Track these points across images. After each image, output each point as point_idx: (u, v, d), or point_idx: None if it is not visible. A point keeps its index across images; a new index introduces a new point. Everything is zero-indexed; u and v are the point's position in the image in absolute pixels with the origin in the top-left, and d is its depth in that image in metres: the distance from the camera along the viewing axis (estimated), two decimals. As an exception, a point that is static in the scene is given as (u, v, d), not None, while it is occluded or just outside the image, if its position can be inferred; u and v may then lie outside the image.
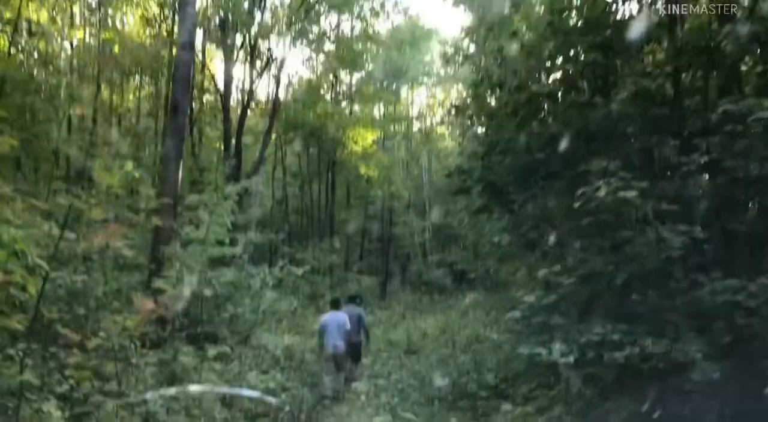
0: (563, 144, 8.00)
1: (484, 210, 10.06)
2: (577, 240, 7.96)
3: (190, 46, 12.61)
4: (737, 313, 6.52)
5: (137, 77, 25.01)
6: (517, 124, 9.07)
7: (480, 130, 9.96)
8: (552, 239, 8.60)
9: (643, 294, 6.83)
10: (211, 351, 8.19)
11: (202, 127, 25.15)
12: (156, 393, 5.58)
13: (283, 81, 26.64)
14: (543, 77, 9.22)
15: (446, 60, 25.39)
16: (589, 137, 8.33)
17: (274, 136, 24.91)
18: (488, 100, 9.92)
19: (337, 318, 10.71)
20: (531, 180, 8.83)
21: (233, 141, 21.98)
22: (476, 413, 9.04)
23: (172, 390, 5.74)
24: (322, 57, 26.87)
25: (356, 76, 31.43)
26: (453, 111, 12.35)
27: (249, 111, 23.99)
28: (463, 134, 11.57)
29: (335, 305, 11.34)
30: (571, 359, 6.28)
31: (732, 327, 6.56)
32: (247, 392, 6.20)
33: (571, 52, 8.27)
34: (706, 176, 7.65)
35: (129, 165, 7.24)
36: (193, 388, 5.97)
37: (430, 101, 40.36)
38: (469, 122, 10.96)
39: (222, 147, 22.71)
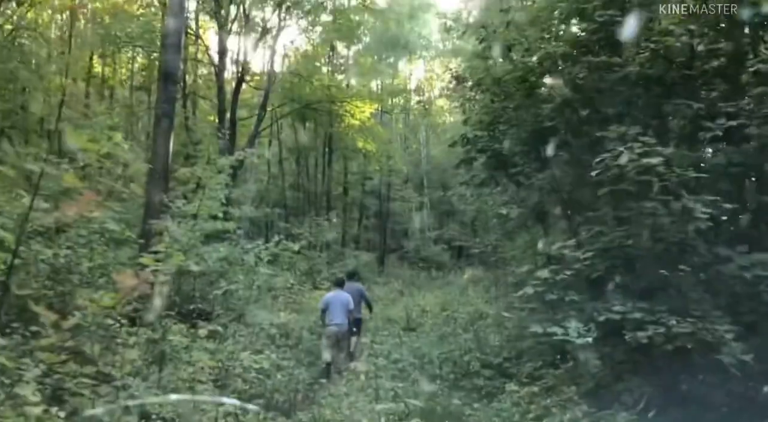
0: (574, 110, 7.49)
1: (489, 182, 9.51)
2: (590, 212, 7.46)
3: (180, 10, 11.99)
4: (766, 289, 6.07)
5: (130, 49, 24.31)
6: (526, 89, 8.50)
7: (484, 98, 9.31)
8: (560, 211, 8.13)
9: (665, 270, 6.35)
10: (203, 330, 7.73)
11: (196, 100, 24.54)
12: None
13: (279, 53, 26.12)
14: (553, 41, 8.61)
15: (446, 30, 24.60)
16: (604, 102, 7.79)
17: (269, 110, 24.29)
18: (494, 65, 9.31)
19: (341, 297, 10.64)
20: (539, 150, 8.28)
21: (228, 115, 21.40)
22: (480, 393, 8.64)
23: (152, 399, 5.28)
24: (319, 29, 26.18)
25: (353, 49, 30.81)
26: (454, 81, 11.70)
27: (244, 84, 23.32)
28: (464, 105, 10.80)
29: (339, 284, 11.24)
30: (590, 339, 5.83)
31: (760, 305, 6.11)
32: (228, 400, 5.76)
33: (585, 10, 7.63)
34: (732, 143, 7.10)
35: (118, 136, 6.74)
36: (173, 397, 5.56)
37: (429, 75, 39.80)
38: (472, 92, 10.32)
39: (216, 121, 22.08)
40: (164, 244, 8.15)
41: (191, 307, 10.38)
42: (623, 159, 5.90)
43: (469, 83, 10.99)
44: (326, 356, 10.13)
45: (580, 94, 7.75)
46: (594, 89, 7.71)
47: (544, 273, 6.53)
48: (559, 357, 8.73)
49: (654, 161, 5.78)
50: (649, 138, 6.12)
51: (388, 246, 33.42)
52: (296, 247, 11.55)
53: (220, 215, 11.23)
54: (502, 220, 8.91)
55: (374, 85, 28.98)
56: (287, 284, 16.04)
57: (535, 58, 8.17)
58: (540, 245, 8.94)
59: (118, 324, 6.39)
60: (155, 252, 8.50)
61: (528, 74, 8.45)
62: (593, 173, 6.39)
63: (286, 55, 26.94)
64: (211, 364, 7.35)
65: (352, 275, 12.62)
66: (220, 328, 9.46)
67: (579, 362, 7.39)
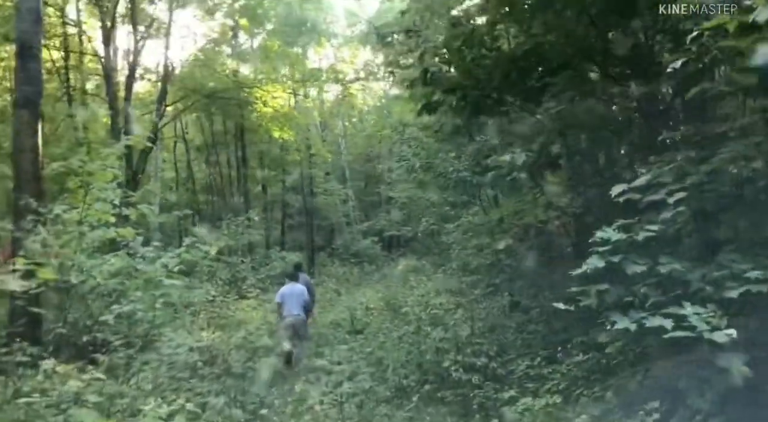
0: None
1: (465, 129, 7.44)
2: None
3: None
4: None
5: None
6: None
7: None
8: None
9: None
10: (87, 375, 5.54)
11: (84, 100, 21.56)
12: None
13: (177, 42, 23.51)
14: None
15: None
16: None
17: (170, 104, 21.70)
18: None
19: (295, 290, 11.07)
20: (535, 77, 6.38)
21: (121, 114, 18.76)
22: (469, 405, 6.81)
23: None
24: (219, 13, 23.66)
25: (258, 38, 28.35)
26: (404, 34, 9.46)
27: (138, 78, 20.74)
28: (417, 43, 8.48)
29: (292, 276, 11.76)
30: (733, 333, 3.85)
31: None
32: None
33: None
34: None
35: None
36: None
37: (339, 65, 37.80)
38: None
39: (109, 121, 19.36)
40: (22, 259, 5.97)
41: (85, 339, 8.10)
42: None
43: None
44: (286, 345, 10.21)
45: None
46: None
47: (609, 234, 4.53)
48: (560, 349, 7.03)
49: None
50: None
51: (315, 244, 31.30)
52: (210, 248, 9.34)
53: (112, 220, 8.94)
54: (503, 170, 6.67)
55: (284, 72, 26.56)
56: (208, 297, 13.79)
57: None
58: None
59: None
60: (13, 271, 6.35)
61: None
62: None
63: (183, 45, 24.33)
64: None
65: (299, 267, 13.54)
66: (121, 361, 7.32)
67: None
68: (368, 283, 22.83)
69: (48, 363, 6.59)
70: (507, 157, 5.38)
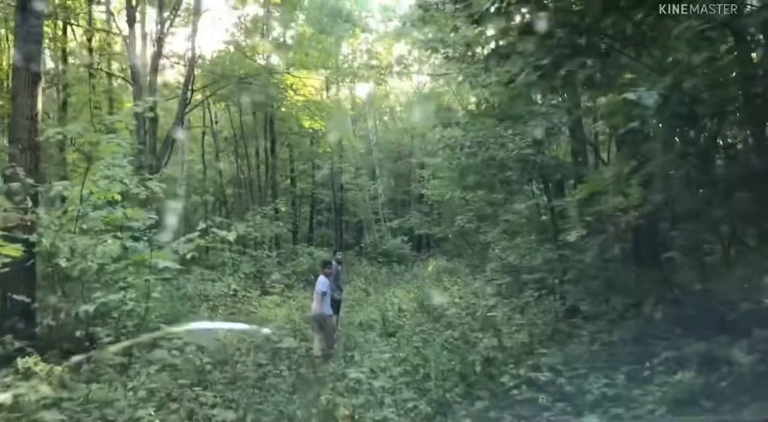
0: None
1: (553, 75, 5.60)
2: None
3: None
4: None
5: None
6: None
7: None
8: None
9: None
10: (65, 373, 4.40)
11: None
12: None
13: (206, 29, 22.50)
14: None
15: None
16: None
17: (199, 96, 20.65)
18: None
19: (316, 283, 10.37)
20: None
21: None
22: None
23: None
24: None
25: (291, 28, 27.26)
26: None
27: (165, 63, 19.77)
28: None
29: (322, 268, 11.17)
30: None
31: None
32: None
33: None
34: None
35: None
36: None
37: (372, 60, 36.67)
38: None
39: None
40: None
41: (79, 333, 6.98)
42: None
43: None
44: (316, 348, 9.95)
45: None
46: None
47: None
48: (647, 365, 5.67)
49: None
50: None
51: (344, 241, 30.15)
52: (231, 235, 8.14)
53: (118, 198, 7.83)
54: (616, 119, 5.01)
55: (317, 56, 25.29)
56: (229, 291, 12.68)
57: None
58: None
59: None
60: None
61: None
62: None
63: (214, 33, 23.34)
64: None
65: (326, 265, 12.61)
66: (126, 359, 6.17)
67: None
68: (398, 283, 21.56)
69: (27, 361, 5.50)
70: (633, 94, 3.96)
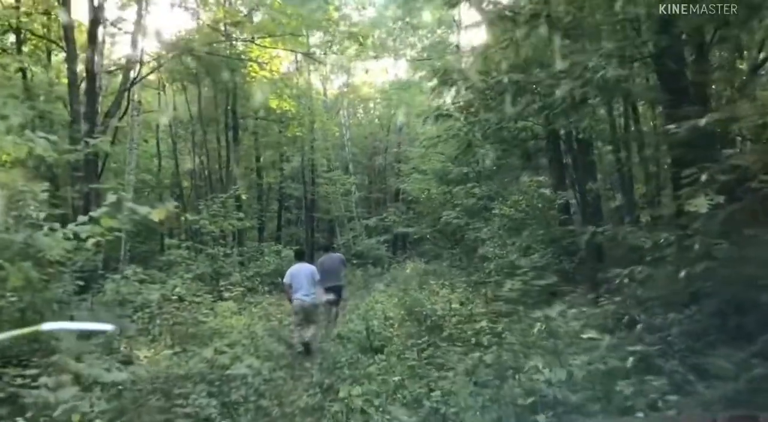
0: None
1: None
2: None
3: None
4: None
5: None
6: None
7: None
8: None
9: None
10: None
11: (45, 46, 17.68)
12: None
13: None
14: None
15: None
16: None
17: (147, 61, 17.74)
18: None
19: (305, 270, 10.38)
20: None
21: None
22: None
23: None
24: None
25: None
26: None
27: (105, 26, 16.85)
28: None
29: (300, 256, 11.49)
30: None
31: None
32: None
33: None
34: None
35: None
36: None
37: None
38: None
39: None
40: None
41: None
42: None
43: None
44: (301, 336, 9.98)
45: None
46: None
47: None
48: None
49: None
50: None
51: (316, 241, 27.53)
52: (156, 214, 5.42)
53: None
54: None
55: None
56: (171, 295, 9.95)
57: None
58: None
59: None
60: None
61: None
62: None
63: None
64: None
65: (328, 248, 13.62)
66: None
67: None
68: (375, 287, 19.19)
69: None
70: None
